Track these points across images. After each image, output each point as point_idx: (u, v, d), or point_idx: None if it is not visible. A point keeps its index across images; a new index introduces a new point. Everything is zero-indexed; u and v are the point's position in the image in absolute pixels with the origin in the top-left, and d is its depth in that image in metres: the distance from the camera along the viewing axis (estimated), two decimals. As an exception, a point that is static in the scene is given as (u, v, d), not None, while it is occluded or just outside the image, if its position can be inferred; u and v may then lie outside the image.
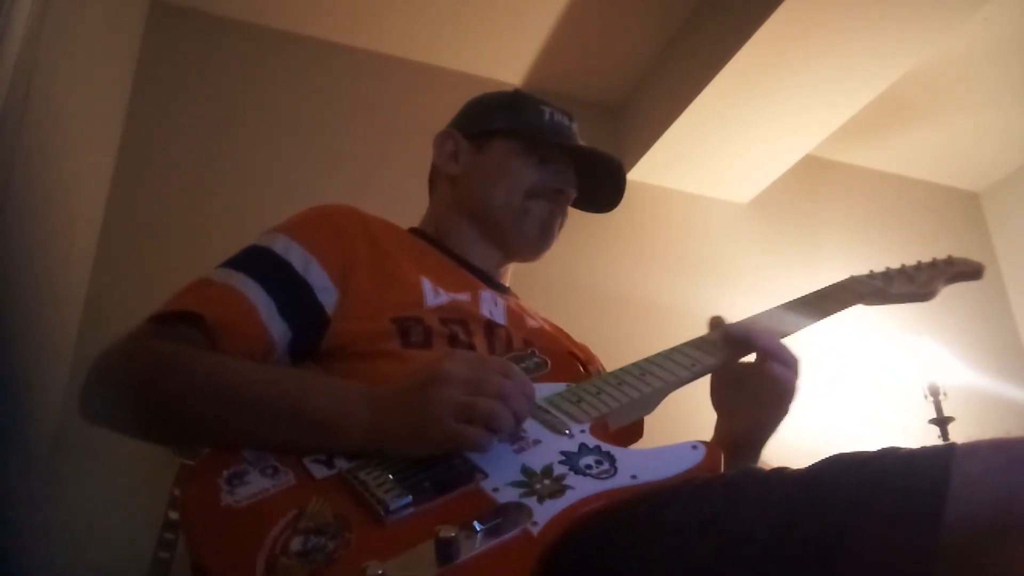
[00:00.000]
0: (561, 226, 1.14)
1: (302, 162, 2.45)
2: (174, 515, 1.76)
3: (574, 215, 1.23)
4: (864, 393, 2.65)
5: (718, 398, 0.95)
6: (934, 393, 2.51)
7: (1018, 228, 3.19)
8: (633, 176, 2.77)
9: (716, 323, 0.96)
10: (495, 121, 1.13)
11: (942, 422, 2.46)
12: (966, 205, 3.34)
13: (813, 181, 3.05)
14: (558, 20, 2.59)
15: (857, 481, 0.58)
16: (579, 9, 2.55)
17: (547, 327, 1.09)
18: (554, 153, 1.10)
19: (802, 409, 0.95)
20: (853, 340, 2.63)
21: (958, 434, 2.46)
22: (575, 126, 1.16)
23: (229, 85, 2.49)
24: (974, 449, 0.56)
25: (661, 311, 2.50)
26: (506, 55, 2.73)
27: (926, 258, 1.12)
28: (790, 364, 0.89)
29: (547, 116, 1.13)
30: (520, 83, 2.82)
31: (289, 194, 2.37)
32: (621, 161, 1.15)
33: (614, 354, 1.04)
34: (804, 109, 2.48)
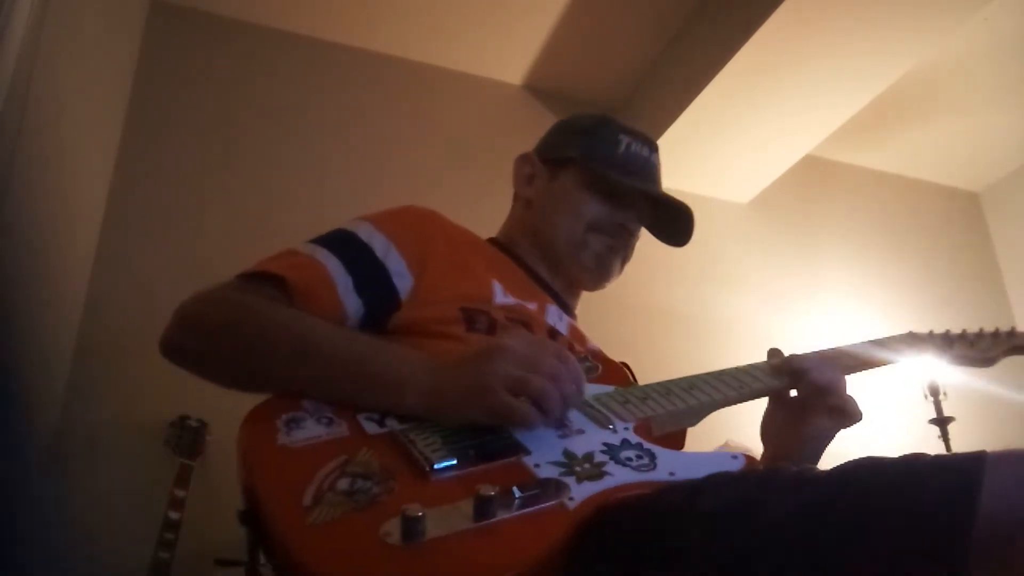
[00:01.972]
0: (625, 260, 1.14)
1: (301, 161, 2.45)
2: (174, 515, 1.76)
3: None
4: (864, 393, 2.64)
5: (767, 427, 0.98)
6: (934, 393, 2.51)
7: (1018, 228, 3.19)
8: (633, 176, 2.77)
9: (774, 354, 0.98)
10: (570, 148, 1.12)
11: (942, 422, 2.46)
12: (966, 205, 3.34)
13: (813, 181, 3.05)
14: (558, 20, 2.59)
15: (885, 485, 0.59)
16: (579, 9, 2.55)
17: (602, 352, 1.10)
18: (622, 188, 1.09)
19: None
20: (853, 340, 2.62)
21: (958, 434, 2.47)
22: (655, 156, 1.14)
23: (229, 85, 2.49)
24: (1003, 459, 0.56)
25: (660, 311, 2.49)
26: (506, 55, 2.73)
27: (989, 327, 1.13)
28: (841, 400, 0.93)
29: (623, 147, 1.10)
30: (520, 83, 2.82)
31: (288, 193, 2.37)
32: (690, 209, 1.14)
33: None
34: (804, 109, 2.48)
